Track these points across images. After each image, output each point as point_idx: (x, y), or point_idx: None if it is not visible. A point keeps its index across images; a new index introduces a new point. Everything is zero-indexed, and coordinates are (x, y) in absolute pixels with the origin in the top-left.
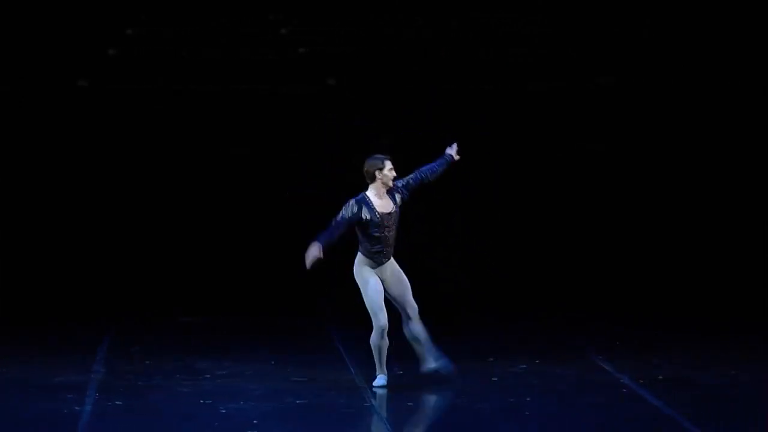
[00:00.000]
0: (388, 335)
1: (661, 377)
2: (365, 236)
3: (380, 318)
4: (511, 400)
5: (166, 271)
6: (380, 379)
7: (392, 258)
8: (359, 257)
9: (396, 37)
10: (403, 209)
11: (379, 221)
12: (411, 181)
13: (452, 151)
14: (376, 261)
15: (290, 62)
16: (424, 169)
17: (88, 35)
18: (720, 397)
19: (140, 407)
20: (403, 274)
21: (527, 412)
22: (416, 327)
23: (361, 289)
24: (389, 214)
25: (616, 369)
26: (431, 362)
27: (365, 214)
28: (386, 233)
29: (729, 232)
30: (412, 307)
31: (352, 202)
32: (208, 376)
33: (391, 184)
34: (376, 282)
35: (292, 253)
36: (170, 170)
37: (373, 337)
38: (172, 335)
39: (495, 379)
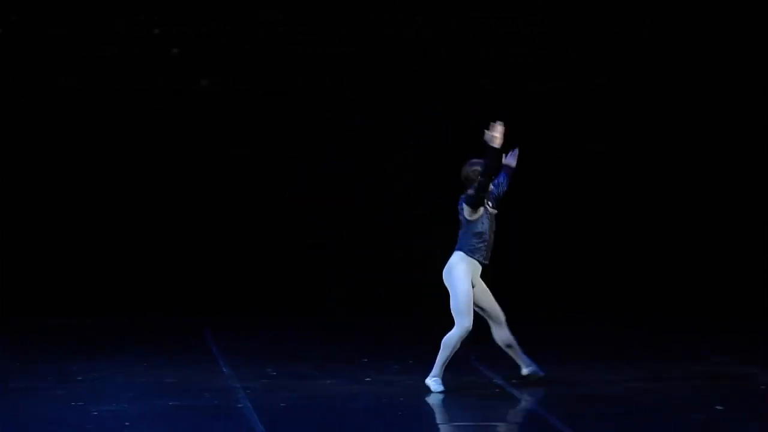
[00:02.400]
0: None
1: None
2: (474, 231)
3: (467, 321)
4: (385, 400)
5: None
6: (438, 383)
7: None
8: (459, 257)
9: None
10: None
11: (489, 218)
12: (495, 192)
13: (510, 159)
14: (477, 259)
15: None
16: (497, 183)
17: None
18: (595, 398)
19: (10, 410)
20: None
21: (400, 413)
22: (506, 333)
23: (453, 289)
24: (491, 214)
25: (490, 369)
26: (523, 368)
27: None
28: (490, 233)
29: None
30: (501, 313)
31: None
32: (80, 378)
33: (490, 188)
34: (470, 286)
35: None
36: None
37: (452, 338)
38: (43, 337)
39: (368, 379)
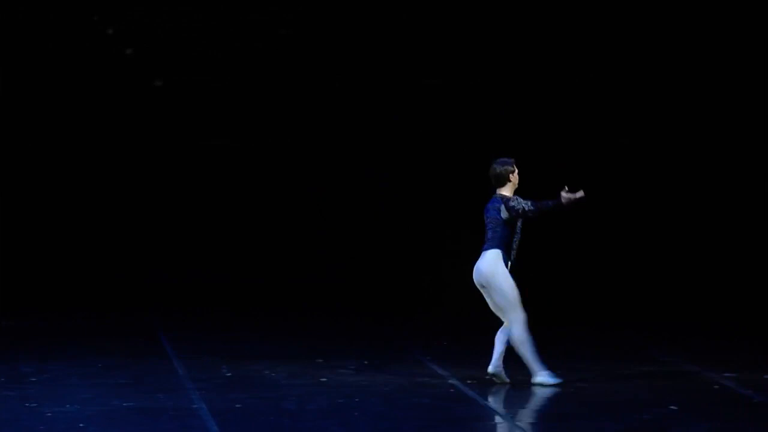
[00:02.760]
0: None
1: (487, 377)
2: (513, 230)
3: (521, 312)
4: (340, 401)
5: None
6: (547, 376)
7: None
8: (496, 255)
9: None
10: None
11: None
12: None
13: (567, 194)
14: (510, 257)
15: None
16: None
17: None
18: (546, 398)
19: None
20: None
21: (356, 413)
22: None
23: (500, 287)
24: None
25: (445, 369)
26: (491, 366)
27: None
28: (520, 232)
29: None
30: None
31: (514, 197)
32: (34, 379)
33: (516, 185)
34: (513, 282)
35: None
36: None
37: (519, 334)
38: None
39: (324, 380)
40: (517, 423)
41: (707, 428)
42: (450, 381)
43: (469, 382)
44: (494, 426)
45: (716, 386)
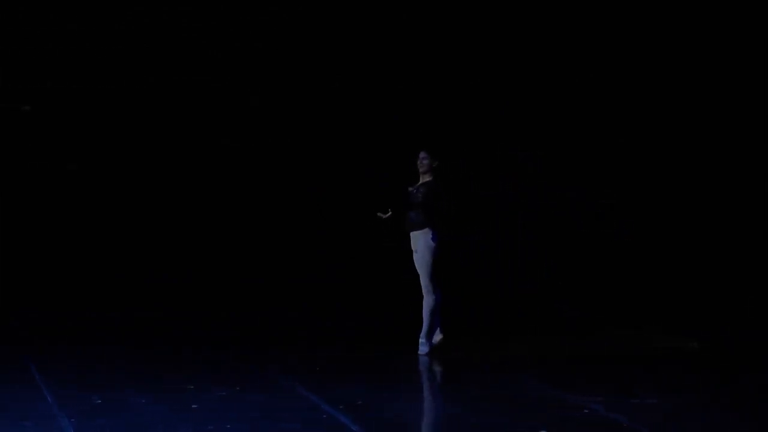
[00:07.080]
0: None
1: (360, 402)
2: None
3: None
4: (210, 427)
5: None
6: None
7: (419, 235)
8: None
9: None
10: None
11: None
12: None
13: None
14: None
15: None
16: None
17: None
18: (408, 424)
19: None
20: (425, 253)
21: None
22: (424, 302)
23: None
24: (413, 192)
25: (314, 393)
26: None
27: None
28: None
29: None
30: (421, 284)
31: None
32: None
33: (420, 170)
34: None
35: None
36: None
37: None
38: None
39: (195, 407)
40: None
41: None
42: (322, 406)
43: (341, 407)
44: None
45: (585, 410)
